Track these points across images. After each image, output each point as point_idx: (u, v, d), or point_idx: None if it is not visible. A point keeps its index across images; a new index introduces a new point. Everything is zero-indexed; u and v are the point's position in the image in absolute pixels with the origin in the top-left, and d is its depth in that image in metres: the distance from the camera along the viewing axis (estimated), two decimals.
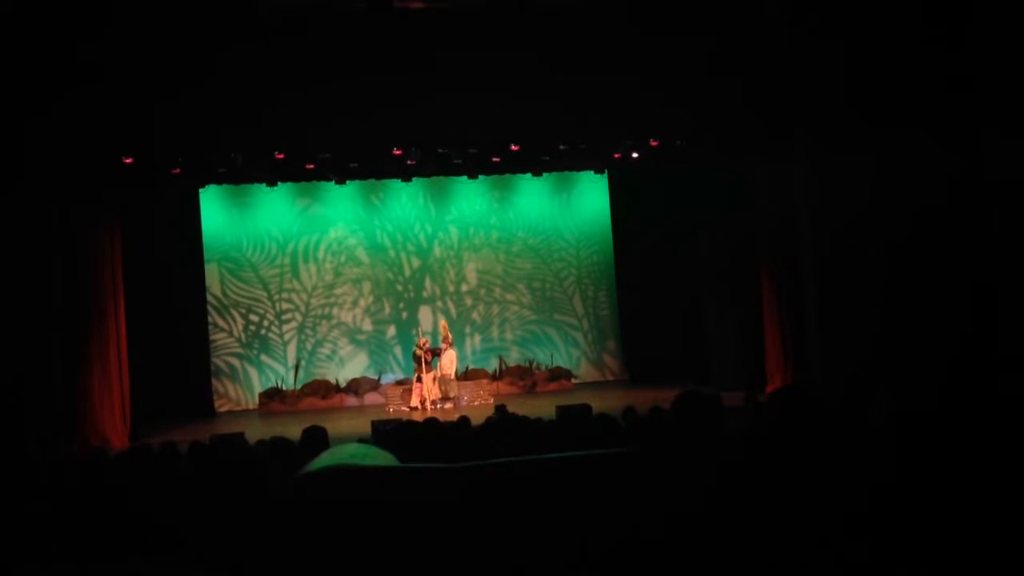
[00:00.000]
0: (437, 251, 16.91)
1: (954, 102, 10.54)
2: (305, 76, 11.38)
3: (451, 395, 14.51)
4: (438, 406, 14.23)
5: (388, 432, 6.61)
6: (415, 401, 14.39)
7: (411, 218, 16.82)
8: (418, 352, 14.54)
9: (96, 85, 11.00)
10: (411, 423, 6.38)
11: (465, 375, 15.71)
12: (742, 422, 6.27)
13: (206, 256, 15.88)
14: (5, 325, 10.80)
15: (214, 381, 15.87)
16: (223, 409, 15.80)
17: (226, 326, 16.15)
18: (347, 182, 15.11)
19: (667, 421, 5.11)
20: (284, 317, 16.37)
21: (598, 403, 11.12)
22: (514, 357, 16.83)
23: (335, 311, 16.53)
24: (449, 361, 14.59)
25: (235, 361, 16.15)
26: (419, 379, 14.43)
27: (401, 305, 16.75)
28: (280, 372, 16.13)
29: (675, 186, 15.33)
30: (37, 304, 11.12)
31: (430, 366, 14.47)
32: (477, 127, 12.38)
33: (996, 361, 9.50)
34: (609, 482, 2.41)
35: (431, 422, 6.16)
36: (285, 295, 16.39)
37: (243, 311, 16.23)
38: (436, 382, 14.48)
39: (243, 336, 16.20)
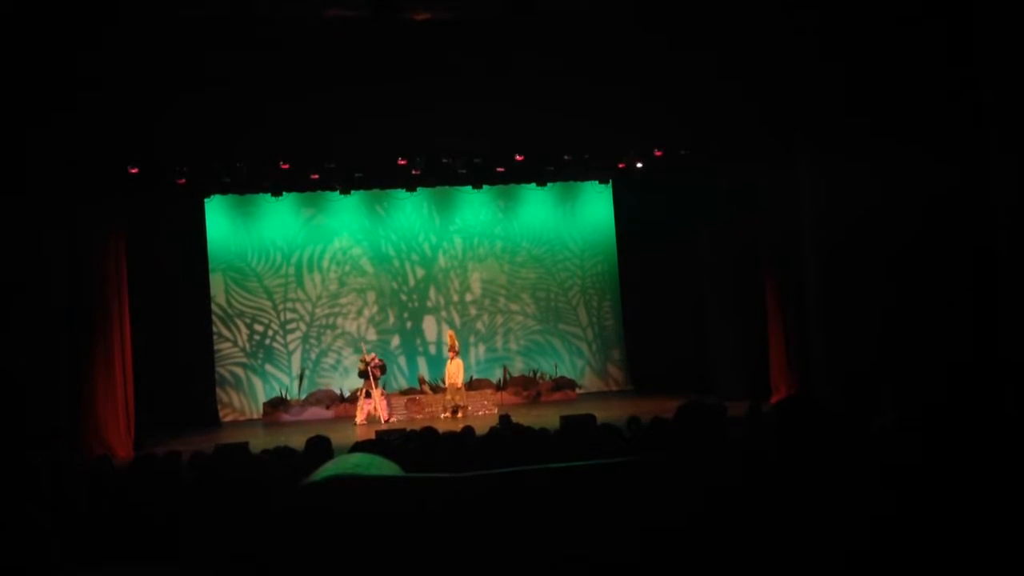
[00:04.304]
0: (441, 261, 16.93)
1: (956, 107, 10.54)
2: (309, 86, 11.42)
3: (461, 404, 14.47)
4: (393, 420, 14.09)
5: (392, 442, 6.61)
6: (361, 417, 14.21)
7: (415, 228, 16.84)
8: (361, 367, 14.43)
9: (101, 95, 11.05)
10: (415, 433, 6.38)
11: (469, 385, 15.69)
12: (745, 432, 6.26)
13: (211, 266, 15.90)
14: (10, 334, 10.81)
15: (218, 391, 15.88)
16: (227, 419, 15.79)
17: (231, 336, 16.17)
18: (351, 192, 15.16)
19: (671, 431, 5.11)
20: (288, 327, 16.39)
21: (602, 413, 11.11)
22: (518, 367, 16.81)
23: (339, 321, 16.54)
24: (456, 370, 14.54)
25: (239, 371, 16.16)
26: (367, 395, 14.30)
27: (405, 315, 16.75)
28: (284, 382, 16.14)
29: (679, 196, 15.37)
30: (42, 313, 11.14)
31: (378, 382, 14.38)
32: (481, 137, 12.41)
33: (999, 367, 9.46)
34: (613, 492, 2.41)
35: (434, 433, 6.16)
36: (289, 305, 16.41)
37: (248, 321, 16.25)
38: (384, 398, 14.36)
39: (247, 346, 16.22)
